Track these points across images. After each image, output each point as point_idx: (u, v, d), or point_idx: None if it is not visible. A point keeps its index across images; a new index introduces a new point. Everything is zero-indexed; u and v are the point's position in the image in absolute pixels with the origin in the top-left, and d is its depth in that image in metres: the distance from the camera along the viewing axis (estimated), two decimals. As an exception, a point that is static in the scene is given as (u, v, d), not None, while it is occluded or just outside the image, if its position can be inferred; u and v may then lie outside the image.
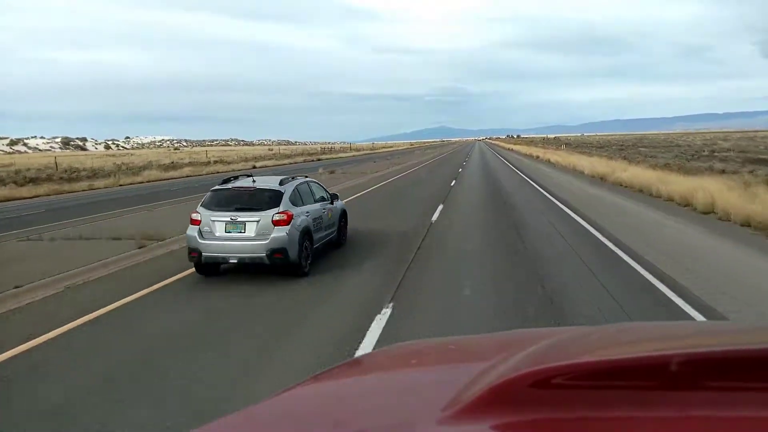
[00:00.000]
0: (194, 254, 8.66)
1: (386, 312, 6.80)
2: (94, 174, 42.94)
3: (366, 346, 5.66)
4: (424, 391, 1.02)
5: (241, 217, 8.57)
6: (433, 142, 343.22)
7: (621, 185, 23.21)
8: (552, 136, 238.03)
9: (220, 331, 6.49)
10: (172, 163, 62.43)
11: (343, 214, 11.44)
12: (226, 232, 8.54)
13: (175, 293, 8.21)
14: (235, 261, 8.63)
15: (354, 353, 5.42)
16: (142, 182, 36.42)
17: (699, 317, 6.44)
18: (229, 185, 9.23)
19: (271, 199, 8.79)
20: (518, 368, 0.85)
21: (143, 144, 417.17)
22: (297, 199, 9.23)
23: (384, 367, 1.34)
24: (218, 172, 46.56)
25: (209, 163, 62.12)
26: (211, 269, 8.93)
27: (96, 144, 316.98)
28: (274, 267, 8.58)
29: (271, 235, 8.42)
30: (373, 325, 6.36)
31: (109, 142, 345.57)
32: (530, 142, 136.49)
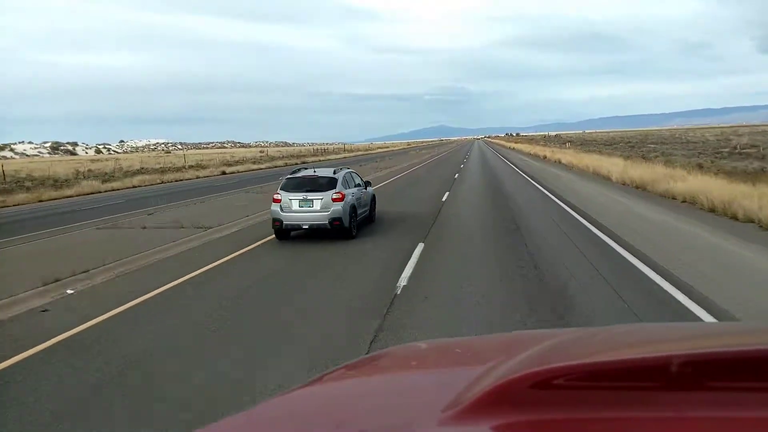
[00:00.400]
0: (277, 223, 12.00)
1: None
2: (41, 183, 36.71)
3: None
4: (424, 392, 1.02)
5: (310, 196, 11.91)
6: (431, 141, 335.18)
7: (673, 198, 16.88)
8: (553, 133, 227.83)
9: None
10: (141, 169, 56.44)
11: (373, 198, 14.67)
12: (299, 207, 11.88)
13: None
14: (306, 227, 12.00)
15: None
16: (71, 196, 29.98)
17: None
18: (299, 175, 12.81)
19: (330, 183, 12.14)
20: (519, 369, 0.85)
21: (137, 147, 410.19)
22: (346, 184, 12.57)
23: (385, 368, 1.34)
24: (178, 181, 40.13)
25: (181, 168, 55.90)
26: (286, 234, 12.27)
27: (87, 148, 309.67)
28: (332, 231, 11.91)
29: (331, 209, 11.80)
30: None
31: (101, 146, 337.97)
32: (530, 140, 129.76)
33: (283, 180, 12.57)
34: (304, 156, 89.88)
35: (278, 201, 11.93)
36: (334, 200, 11.79)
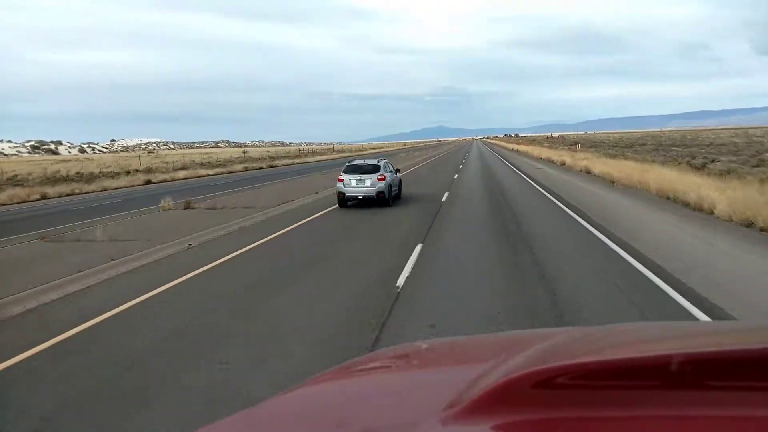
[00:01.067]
0: (341, 195, 17.57)
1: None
2: None
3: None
4: (426, 391, 1.02)
5: (363, 177, 17.29)
6: (428, 142, 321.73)
7: None
8: (556, 134, 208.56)
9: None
10: (71, 175, 46.27)
11: (401, 181, 20.38)
12: (355, 184, 17.28)
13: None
14: (360, 197, 17.37)
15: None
16: None
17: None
18: (354, 163, 18.41)
19: (375, 168, 17.63)
20: (520, 368, 0.85)
21: (127, 147, 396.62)
22: (385, 169, 17.96)
23: (386, 367, 1.33)
24: (67, 195, 28.94)
25: (117, 175, 45.64)
26: (345, 203, 17.65)
27: (70, 148, 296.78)
28: (377, 201, 17.37)
29: (377, 185, 17.19)
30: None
31: (86, 146, 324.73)
32: (531, 141, 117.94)
33: (344, 166, 18.34)
34: (284, 157, 79.55)
35: (341, 180, 17.72)
36: (379, 180, 17.46)
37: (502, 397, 0.79)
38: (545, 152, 54.31)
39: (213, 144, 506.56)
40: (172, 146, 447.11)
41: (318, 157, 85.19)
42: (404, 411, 0.91)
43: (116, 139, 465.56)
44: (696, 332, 1.24)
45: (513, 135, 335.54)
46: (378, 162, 18.20)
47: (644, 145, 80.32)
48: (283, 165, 63.23)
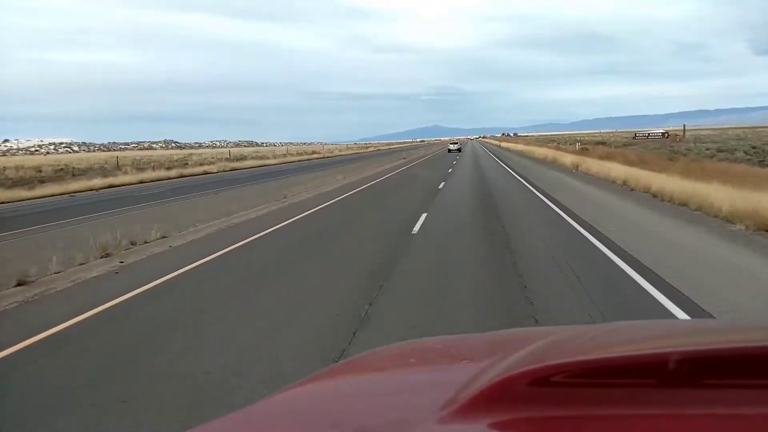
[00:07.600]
0: (448, 149, 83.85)
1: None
2: None
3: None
4: (422, 389, 1.02)
5: (456, 143, 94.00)
6: (412, 142, 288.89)
7: None
8: (645, 131, 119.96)
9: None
10: None
11: (461, 147, 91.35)
12: (452, 146, 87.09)
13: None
14: (453, 150, 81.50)
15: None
16: None
17: None
18: (452, 140, 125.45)
19: (456, 142, 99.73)
20: (517, 366, 0.86)
21: (21, 148, 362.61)
22: (459, 143, 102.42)
23: (382, 366, 1.34)
24: None
25: None
26: (448, 151, 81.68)
27: None
28: (458, 151, 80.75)
29: (458, 146, 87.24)
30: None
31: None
32: (566, 142, 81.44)
33: (449, 142, 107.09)
34: (183, 165, 58.81)
35: (449, 146, 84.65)
36: (459, 145, 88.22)
37: (499, 396, 0.79)
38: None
39: (148, 144, 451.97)
40: (85, 148, 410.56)
41: (256, 162, 62.04)
42: (401, 410, 0.90)
43: (9, 139, 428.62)
44: (692, 330, 1.25)
45: (512, 134, 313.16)
46: (457, 140, 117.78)
47: (690, 145, 59.36)
48: (174, 178, 40.51)
